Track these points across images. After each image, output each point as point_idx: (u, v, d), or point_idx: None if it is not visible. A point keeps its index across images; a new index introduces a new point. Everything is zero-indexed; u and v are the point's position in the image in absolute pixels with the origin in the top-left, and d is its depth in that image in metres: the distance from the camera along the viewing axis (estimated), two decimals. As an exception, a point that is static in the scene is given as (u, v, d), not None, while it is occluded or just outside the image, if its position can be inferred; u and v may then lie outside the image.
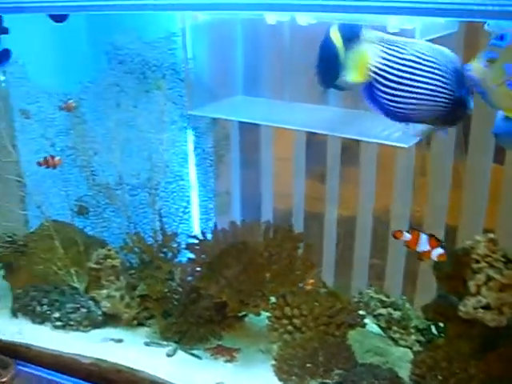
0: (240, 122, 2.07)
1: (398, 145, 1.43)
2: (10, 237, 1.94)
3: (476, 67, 1.15)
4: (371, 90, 1.19)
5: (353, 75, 1.20)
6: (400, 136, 1.45)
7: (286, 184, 2.38)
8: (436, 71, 1.18)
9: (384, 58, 1.18)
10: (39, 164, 1.79)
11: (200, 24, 1.60)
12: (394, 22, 1.32)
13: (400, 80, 1.17)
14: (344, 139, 2.10)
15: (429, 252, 1.43)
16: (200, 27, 1.60)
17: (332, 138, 2.13)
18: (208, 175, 1.95)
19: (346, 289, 2.10)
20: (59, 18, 1.57)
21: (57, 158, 1.78)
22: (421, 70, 1.17)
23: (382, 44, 1.18)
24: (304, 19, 1.45)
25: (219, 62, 1.73)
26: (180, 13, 1.60)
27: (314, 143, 2.28)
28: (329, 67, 1.46)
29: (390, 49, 1.18)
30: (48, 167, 1.78)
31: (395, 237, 1.45)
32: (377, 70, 1.18)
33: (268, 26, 1.48)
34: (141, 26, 1.77)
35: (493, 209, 1.95)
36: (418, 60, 1.17)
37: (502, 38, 1.10)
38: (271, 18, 1.47)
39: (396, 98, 1.18)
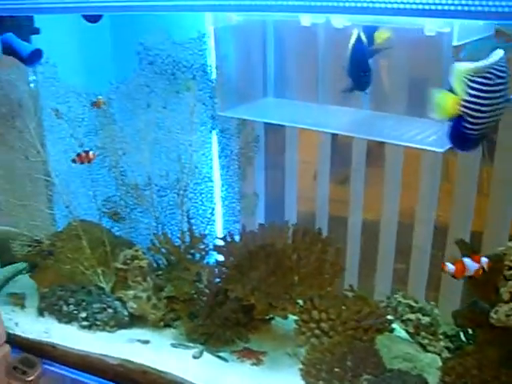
0: (265, 124, 2.06)
1: (432, 149, 1.42)
2: (37, 236, 1.95)
3: None
4: (459, 124, 1.18)
5: (441, 113, 1.19)
6: (434, 140, 1.44)
7: (310, 186, 2.38)
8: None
9: (475, 89, 1.16)
10: (74, 161, 1.79)
11: (232, 25, 1.59)
12: (431, 24, 1.31)
13: (492, 106, 1.16)
14: (369, 141, 2.09)
15: (479, 269, 1.42)
16: (232, 28, 1.59)
17: (357, 140, 2.12)
18: (236, 177, 1.95)
19: (370, 293, 2.09)
20: (93, 19, 1.57)
21: (91, 153, 1.78)
22: (505, 86, 1.15)
23: (471, 76, 1.16)
24: (339, 21, 1.44)
25: (250, 63, 1.72)
26: (212, 14, 1.59)
27: (339, 145, 2.27)
28: (360, 70, 1.46)
29: (478, 78, 1.16)
30: (82, 163, 1.78)
31: (443, 270, 1.43)
32: (468, 104, 1.17)
33: (302, 27, 1.47)
34: (171, 26, 1.78)
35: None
36: (503, 80, 1.15)
37: None
38: (306, 19, 1.46)
39: (482, 124, 1.18)
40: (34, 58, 1.70)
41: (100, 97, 1.83)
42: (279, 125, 2.03)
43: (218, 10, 1.42)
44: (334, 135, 2.17)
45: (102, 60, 2.08)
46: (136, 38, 1.83)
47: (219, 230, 2.04)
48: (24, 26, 1.75)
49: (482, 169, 2.00)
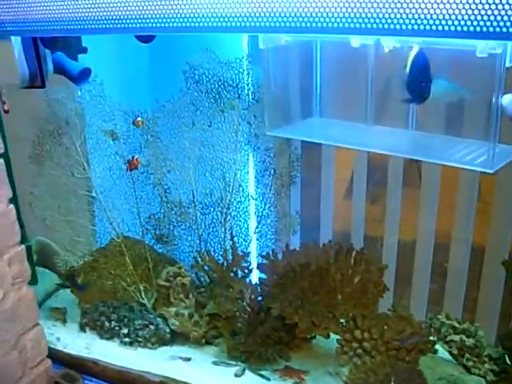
0: (303, 143, 2.07)
1: (483, 170, 1.42)
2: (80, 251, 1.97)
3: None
4: None
5: None
6: (484, 161, 1.44)
7: (346, 205, 2.38)
8: None
9: None
10: (128, 169, 1.84)
11: (281, 46, 1.61)
12: (483, 46, 1.32)
13: None
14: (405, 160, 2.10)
15: None
16: (281, 49, 1.61)
17: (394, 159, 2.13)
18: (278, 195, 1.95)
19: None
20: (146, 39, 1.59)
21: (136, 157, 1.83)
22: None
23: None
24: (389, 43, 1.45)
25: (298, 83, 1.74)
26: (262, 34, 1.61)
27: (376, 165, 2.28)
28: (421, 81, 1.46)
29: None
30: (132, 170, 1.85)
31: None
32: None
33: (351, 48, 1.48)
34: (218, 46, 1.80)
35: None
36: None
37: None
38: (356, 40, 1.48)
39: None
40: (83, 76, 1.74)
41: (139, 117, 1.86)
42: (316, 143, 2.04)
43: (268, 31, 1.44)
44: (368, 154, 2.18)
45: (139, 78, 2.12)
46: (175, 57, 1.86)
47: (262, 248, 2.05)
48: (73, 45, 1.78)
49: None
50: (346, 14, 1.13)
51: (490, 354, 1.69)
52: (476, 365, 1.68)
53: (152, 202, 1.96)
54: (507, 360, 1.66)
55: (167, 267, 1.92)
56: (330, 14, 1.16)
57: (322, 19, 1.16)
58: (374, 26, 1.20)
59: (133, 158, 1.83)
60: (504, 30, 1.06)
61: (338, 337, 1.71)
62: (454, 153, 1.49)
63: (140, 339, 1.85)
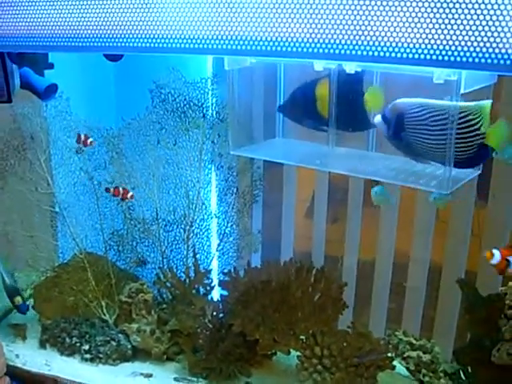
0: (265, 163, 2.11)
1: (439, 191, 1.47)
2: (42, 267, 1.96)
3: None
4: None
5: None
6: (439, 182, 1.49)
7: (307, 225, 2.42)
8: None
9: None
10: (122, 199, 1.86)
11: (245, 67, 1.65)
12: (439, 73, 1.38)
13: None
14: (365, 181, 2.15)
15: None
16: (245, 70, 1.65)
17: (354, 180, 2.18)
18: (241, 214, 1.99)
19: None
20: (113, 57, 1.62)
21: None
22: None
23: None
24: (351, 67, 1.50)
25: (261, 104, 1.78)
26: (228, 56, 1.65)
27: (336, 185, 2.33)
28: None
29: None
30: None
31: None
32: None
33: (313, 71, 1.53)
34: (182, 65, 1.84)
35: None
36: None
37: None
38: (319, 64, 1.53)
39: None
40: (50, 92, 1.74)
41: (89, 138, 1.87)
42: (278, 163, 2.08)
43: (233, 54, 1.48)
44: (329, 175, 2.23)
45: (105, 96, 2.13)
46: (141, 75, 1.89)
47: (223, 265, 2.07)
48: (39, 61, 1.79)
49: (476, 210, 2.07)
50: (310, 40, 1.18)
51: (445, 370, 1.74)
52: (432, 380, 1.72)
53: (115, 218, 1.97)
54: (462, 375, 1.72)
55: (130, 283, 1.92)
56: (295, 39, 1.20)
57: (286, 43, 1.21)
58: (337, 51, 1.25)
59: (124, 190, 1.84)
60: (458, 59, 1.13)
61: (298, 353, 1.73)
62: (412, 174, 1.55)
63: (101, 355, 1.84)
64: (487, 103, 1.36)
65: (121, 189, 1.82)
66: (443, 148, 1.39)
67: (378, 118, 1.47)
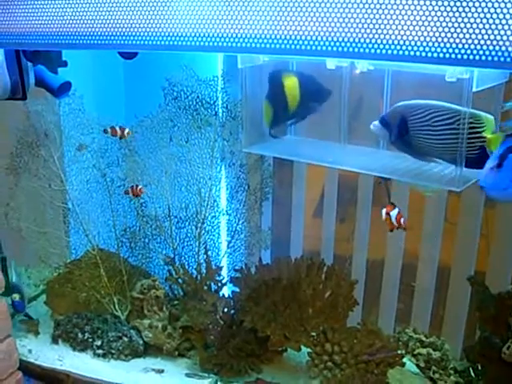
0: (275, 160, 2.12)
1: (450, 189, 1.48)
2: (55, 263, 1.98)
3: None
4: None
5: None
6: (451, 179, 1.50)
7: (316, 224, 2.42)
8: None
9: None
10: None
11: (258, 65, 1.66)
12: (451, 71, 1.38)
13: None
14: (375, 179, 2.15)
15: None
16: (258, 68, 1.66)
17: (363, 178, 2.18)
18: (252, 211, 2.00)
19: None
20: (128, 55, 1.63)
21: (140, 187, 1.86)
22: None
23: None
24: (363, 65, 1.51)
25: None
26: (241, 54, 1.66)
27: (346, 184, 2.33)
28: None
29: None
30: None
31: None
32: None
33: (326, 69, 1.54)
34: (194, 63, 1.85)
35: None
36: None
37: None
38: (331, 62, 1.53)
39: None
40: (64, 90, 1.75)
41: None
42: (288, 161, 2.09)
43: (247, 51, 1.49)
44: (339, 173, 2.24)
45: (118, 93, 2.15)
46: (153, 73, 1.90)
47: (234, 262, 2.08)
48: (53, 58, 1.80)
49: (486, 210, 2.07)
50: (324, 38, 1.19)
51: (455, 367, 1.75)
52: (442, 377, 1.73)
53: (128, 215, 1.98)
54: (471, 372, 1.72)
55: (141, 280, 1.94)
56: (308, 37, 1.21)
57: (299, 41, 1.22)
58: (350, 49, 1.25)
59: (136, 186, 1.85)
60: (471, 57, 1.13)
61: (308, 350, 1.74)
62: (423, 172, 1.55)
63: (113, 351, 1.86)
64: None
65: (135, 187, 1.84)
66: (449, 147, 1.41)
67: (375, 124, 1.48)
